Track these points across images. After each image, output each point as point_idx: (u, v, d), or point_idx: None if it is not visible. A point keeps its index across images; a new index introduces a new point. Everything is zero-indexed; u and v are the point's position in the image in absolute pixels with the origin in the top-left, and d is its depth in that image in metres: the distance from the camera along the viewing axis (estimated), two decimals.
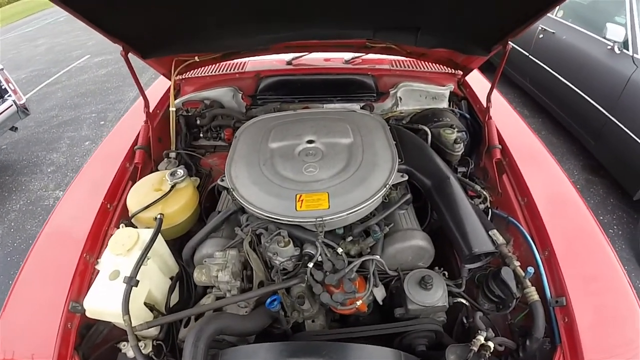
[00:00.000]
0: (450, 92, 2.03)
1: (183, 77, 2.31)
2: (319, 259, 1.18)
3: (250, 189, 1.30)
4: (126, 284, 1.10)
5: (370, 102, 1.94)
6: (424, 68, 2.16)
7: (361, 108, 1.90)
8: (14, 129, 4.45)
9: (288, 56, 2.21)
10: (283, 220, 1.20)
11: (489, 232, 1.27)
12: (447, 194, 1.36)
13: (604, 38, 3.24)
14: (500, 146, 1.65)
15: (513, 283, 1.18)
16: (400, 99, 2.00)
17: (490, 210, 1.46)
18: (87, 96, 6.53)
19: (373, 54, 2.05)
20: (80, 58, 8.97)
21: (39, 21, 15.90)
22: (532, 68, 4.34)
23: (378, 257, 1.22)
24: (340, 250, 1.21)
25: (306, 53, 2.17)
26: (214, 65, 2.33)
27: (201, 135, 2.08)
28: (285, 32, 1.60)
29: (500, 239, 1.26)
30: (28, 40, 12.21)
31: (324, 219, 1.17)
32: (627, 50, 3.13)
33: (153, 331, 1.24)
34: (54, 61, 8.98)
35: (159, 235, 1.31)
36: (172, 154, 1.86)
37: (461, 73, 2.04)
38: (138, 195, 1.47)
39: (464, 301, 1.25)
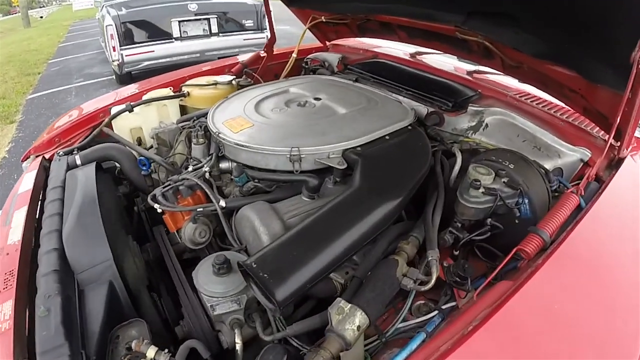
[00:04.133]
0: (583, 162, 1.40)
1: (333, 43, 2.70)
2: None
3: (232, 102, 1.60)
4: (127, 105, 1.68)
5: (440, 110, 1.71)
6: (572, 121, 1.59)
7: (427, 114, 1.73)
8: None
9: (413, 50, 2.27)
10: (209, 123, 1.42)
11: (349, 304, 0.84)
12: (358, 204, 1.04)
13: None
14: (548, 237, 1.00)
15: None
16: (487, 125, 1.65)
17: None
18: None
19: (499, 71, 1.83)
20: None
21: None
22: None
23: (222, 202, 1.18)
24: (206, 169, 1.29)
25: (431, 52, 2.18)
26: (359, 42, 2.62)
27: None
28: (377, 4, 1.75)
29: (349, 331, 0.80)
30: None
31: (220, 134, 1.32)
32: None
33: None
34: None
35: (175, 104, 1.85)
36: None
37: (617, 145, 1.32)
38: (197, 81, 1.98)
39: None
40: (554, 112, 1.63)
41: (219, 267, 0.95)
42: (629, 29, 0.99)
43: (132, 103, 1.70)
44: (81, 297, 0.98)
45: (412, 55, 2.26)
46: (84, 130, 1.83)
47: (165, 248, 1.28)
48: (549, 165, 1.42)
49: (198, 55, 5.77)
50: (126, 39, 5.21)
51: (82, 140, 1.71)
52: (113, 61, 5.28)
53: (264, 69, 2.38)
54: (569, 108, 1.60)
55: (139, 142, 1.76)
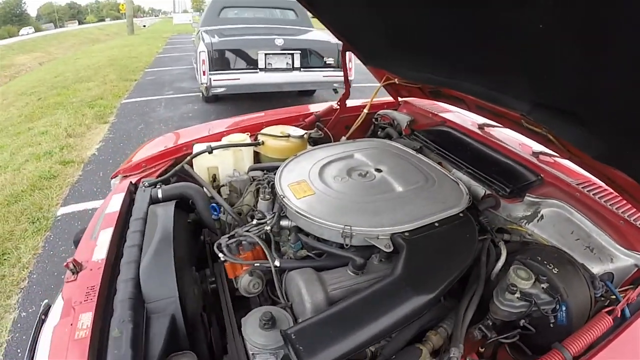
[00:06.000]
0: (638, 267, 1.44)
1: (404, 99, 2.86)
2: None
3: (300, 162, 1.77)
4: (207, 147, 1.95)
5: (497, 195, 1.77)
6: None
7: (484, 196, 1.80)
8: (335, 90, 6.80)
9: (481, 121, 2.33)
10: (277, 184, 1.59)
11: None
12: (393, 294, 1.13)
13: None
14: (570, 357, 1.07)
15: None
16: (542, 217, 1.69)
17: None
18: None
19: (567, 159, 1.83)
20: None
21: None
22: None
23: (276, 262, 1.34)
24: (267, 228, 1.44)
25: (498, 125, 2.23)
26: (430, 103, 2.74)
27: None
28: (445, 78, 1.86)
29: None
30: None
31: (284, 198, 1.47)
32: None
33: None
34: None
35: (250, 150, 2.08)
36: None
37: None
38: (270, 129, 2.23)
39: None
40: (617, 207, 1.61)
41: (265, 323, 1.11)
42: None
43: (212, 145, 1.96)
44: (147, 324, 1.15)
45: (480, 126, 2.33)
46: (166, 160, 2.13)
47: (223, 288, 1.49)
48: (598, 268, 1.44)
49: (279, 86, 6.26)
50: (216, 65, 5.76)
51: (163, 173, 2.00)
52: (202, 84, 5.85)
53: (336, 121, 2.59)
54: (633, 206, 1.57)
55: (214, 178, 2.02)
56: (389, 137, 2.47)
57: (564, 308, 1.20)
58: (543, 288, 1.20)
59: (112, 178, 2.06)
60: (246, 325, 1.15)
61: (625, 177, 1.34)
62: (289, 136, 2.10)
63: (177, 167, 1.92)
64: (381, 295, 1.12)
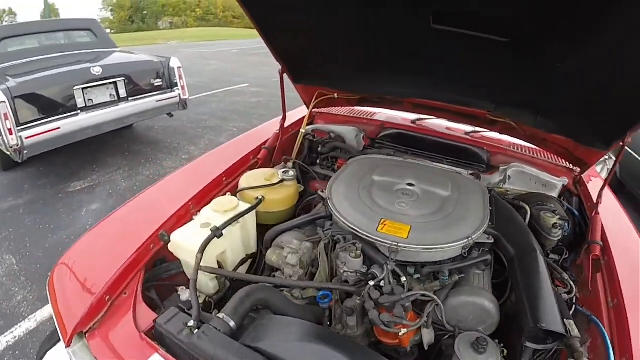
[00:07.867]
0: (564, 186, 2.18)
1: (319, 111, 2.87)
2: (382, 281, 1.38)
3: (343, 203, 1.64)
4: (212, 231, 1.48)
5: (478, 172, 2.20)
6: (542, 157, 2.36)
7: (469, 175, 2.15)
8: (170, 114, 6.39)
9: (413, 116, 2.62)
10: (362, 234, 1.46)
11: (564, 320, 1.28)
12: (530, 266, 1.46)
13: None
14: (601, 243, 1.70)
15: None
16: (509, 177, 2.25)
17: (574, 305, 1.49)
18: (235, 114, 8.54)
19: (495, 132, 2.30)
20: (239, 84, 11.60)
21: (215, 47, 21.70)
22: None
23: (438, 300, 1.34)
24: (403, 279, 1.39)
25: (430, 117, 2.54)
26: (347, 109, 2.86)
27: (317, 162, 2.53)
28: (411, 88, 2.10)
29: (575, 331, 1.27)
30: (202, 59, 16.75)
31: (399, 244, 1.40)
32: None
33: (211, 289, 1.57)
34: (217, 80, 11.90)
35: (253, 214, 1.76)
36: (290, 163, 2.30)
37: (579, 170, 2.16)
38: (249, 179, 1.99)
39: None
40: (538, 155, 2.33)
41: (483, 348, 1.21)
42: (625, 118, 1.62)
43: (216, 226, 1.51)
44: None
45: (413, 121, 2.62)
46: (134, 276, 1.45)
47: None
48: (553, 194, 2.11)
49: (109, 125, 5.33)
50: (24, 117, 4.50)
51: (146, 292, 1.46)
52: (10, 147, 4.49)
53: (279, 146, 2.47)
54: (540, 149, 2.31)
55: (220, 266, 1.63)
56: (335, 150, 2.49)
57: (566, 224, 1.79)
58: (559, 217, 1.76)
59: (67, 346, 1.23)
60: (467, 357, 1.21)
61: (561, 137, 1.96)
62: (282, 181, 1.92)
63: (193, 276, 1.35)
64: (528, 268, 1.45)
